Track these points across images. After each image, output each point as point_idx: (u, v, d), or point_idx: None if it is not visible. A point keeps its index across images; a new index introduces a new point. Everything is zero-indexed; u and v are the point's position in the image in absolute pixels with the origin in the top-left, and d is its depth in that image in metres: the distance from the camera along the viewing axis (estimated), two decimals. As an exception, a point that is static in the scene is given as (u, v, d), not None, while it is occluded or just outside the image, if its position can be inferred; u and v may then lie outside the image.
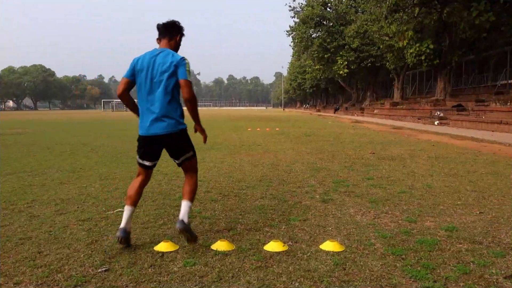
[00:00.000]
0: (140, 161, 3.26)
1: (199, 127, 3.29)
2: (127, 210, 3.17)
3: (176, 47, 3.26)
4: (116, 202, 4.61)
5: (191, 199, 3.24)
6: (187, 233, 3.06)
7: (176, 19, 3.28)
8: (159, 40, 3.24)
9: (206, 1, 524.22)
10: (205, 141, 3.40)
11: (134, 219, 3.94)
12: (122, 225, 3.10)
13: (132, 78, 3.15)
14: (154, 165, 3.31)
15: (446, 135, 14.18)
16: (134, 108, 3.28)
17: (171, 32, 3.22)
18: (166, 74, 3.03)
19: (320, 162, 7.64)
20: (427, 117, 22.44)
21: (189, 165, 3.31)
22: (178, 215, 4.04)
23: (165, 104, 3.05)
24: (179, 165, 3.30)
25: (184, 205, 3.18)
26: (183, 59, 3.07)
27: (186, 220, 3.09)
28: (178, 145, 3.19)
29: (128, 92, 3.22)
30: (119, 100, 3.31)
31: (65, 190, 5.24)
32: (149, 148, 3.19)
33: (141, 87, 3.11)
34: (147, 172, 3.30)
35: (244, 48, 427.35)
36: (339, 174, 6.35)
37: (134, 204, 3.23)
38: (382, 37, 25.88)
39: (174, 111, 3.10)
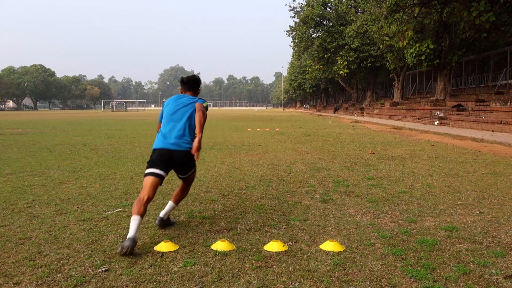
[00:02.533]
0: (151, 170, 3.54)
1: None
2: None
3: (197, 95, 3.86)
4: (116, 202, 4.61)
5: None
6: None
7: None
8: (183, 90, 3.84)
9: (206, 1, 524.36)
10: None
11: (134, 219, 3.93)
12: None
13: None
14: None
15: (446, 135, 14.18)
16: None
17: (195, 87, 3.84)
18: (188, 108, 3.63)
19: (320, 162, 7.64)
20: (427, 117, 22.45)
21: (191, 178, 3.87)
22: (178, 215, 4.05)
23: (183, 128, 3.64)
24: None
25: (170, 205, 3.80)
26: (202, 99, 3.71)
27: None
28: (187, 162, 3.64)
29: None
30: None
31: (65, 190, 5.24)
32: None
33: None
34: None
35: (244, 48, 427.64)
36: (339, 174, 6.35)
37: None
38: (382, 37, 25.86)
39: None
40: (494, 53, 25.20)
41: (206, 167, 7.14)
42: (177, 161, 3.50)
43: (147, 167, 3.47)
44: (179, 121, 3.53)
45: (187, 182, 3.79)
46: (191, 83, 3.80)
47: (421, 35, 25.41)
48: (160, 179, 3.42)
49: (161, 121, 3.68)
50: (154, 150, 3.53)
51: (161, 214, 3.67)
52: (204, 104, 3.59)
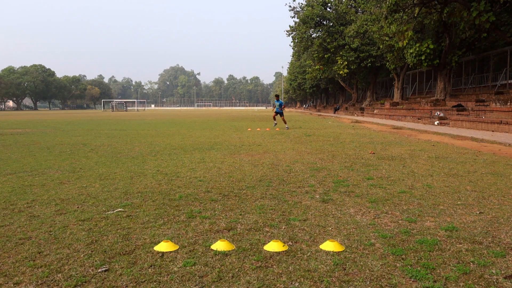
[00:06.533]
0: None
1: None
2: None
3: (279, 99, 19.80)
4: (116, 202, 4.61)
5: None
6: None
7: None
8: (276, 98, 19.48)
9: (206, 1, 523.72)
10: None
11: (134, 219, 3.94)
12: None
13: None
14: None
15: (446, 135, 14.18)
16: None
17: (278, 97, 19.74)
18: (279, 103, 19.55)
19: (320, 162, 7.64)
20: (427, 117, 22.45)
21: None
22: (178, 215, 4.06)
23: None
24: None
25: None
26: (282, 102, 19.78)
27: None
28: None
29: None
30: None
31: (65, 190, 5.24)
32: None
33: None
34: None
35: (244, 48, 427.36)
36: (339, 174, 6.35)
37: None
38: (382, 37, 25.86)
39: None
40: (494, 53, 25.20)
41: (206, 167, 7.14)
42: (278, 112, 18.98)
43: (274, 115, 19.91)
44: (278, 107, 19.09)
45: (283, 119, 18.79)
46: (278, 97, 19.50)
47: (421, 35, 25.41)
48: (277, 115, 19.30)
49: (273, 107, 19.51)
50: (276, 112, 19.17)
51: (287, 127, 18.52)
52: (283, 104, 19.38)
